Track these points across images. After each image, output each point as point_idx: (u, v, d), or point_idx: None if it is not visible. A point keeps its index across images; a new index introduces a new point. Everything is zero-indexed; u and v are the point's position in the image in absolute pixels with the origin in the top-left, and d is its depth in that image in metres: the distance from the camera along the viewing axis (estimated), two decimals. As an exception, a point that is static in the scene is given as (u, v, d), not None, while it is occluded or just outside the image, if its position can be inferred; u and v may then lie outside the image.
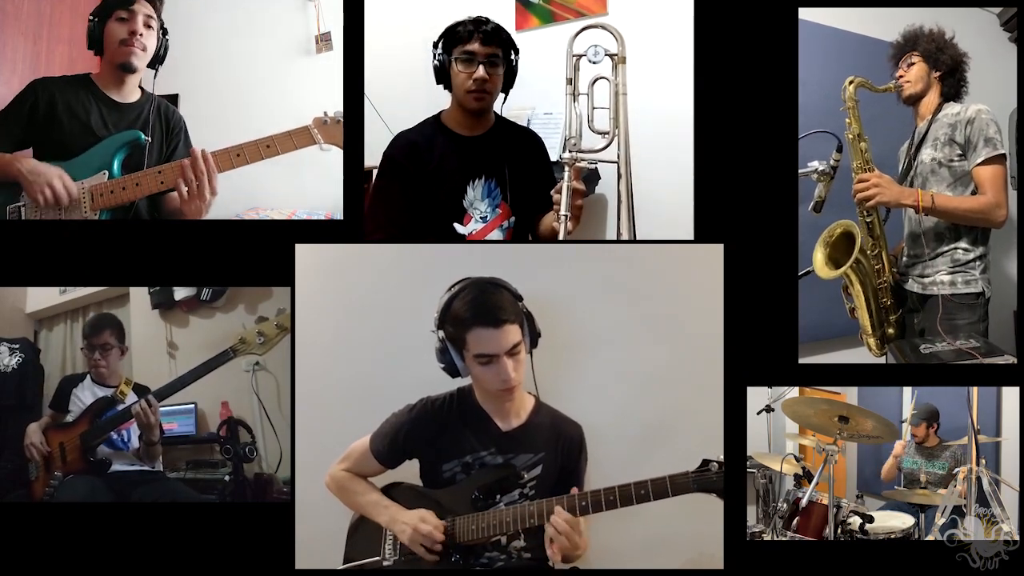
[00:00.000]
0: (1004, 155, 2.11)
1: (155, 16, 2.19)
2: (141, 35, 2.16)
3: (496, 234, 2.27)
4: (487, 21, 2.20)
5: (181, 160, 2.15)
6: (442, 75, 2.23)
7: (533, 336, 1.90)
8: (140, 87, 2.24)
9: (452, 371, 1.90)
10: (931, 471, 2.49)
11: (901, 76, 2.22)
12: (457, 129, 2.27)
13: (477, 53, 2.17)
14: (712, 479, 1.77)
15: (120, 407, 2.25)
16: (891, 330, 2.25)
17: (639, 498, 1.78)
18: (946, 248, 2.18)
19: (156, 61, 2.21)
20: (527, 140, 2.38)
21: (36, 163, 2.13)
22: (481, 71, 2.16)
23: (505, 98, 2.27)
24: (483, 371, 1.85)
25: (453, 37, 2.20)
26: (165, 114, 2.26)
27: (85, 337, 2.34)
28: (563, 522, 1.79)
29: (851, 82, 2.19)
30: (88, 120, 2.17)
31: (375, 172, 2.29)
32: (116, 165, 2.16)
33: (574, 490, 1.84)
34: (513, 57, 2.22)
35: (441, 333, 1.88)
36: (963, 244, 2.17)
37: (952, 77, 2.19)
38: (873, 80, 2.20)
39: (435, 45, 2.23)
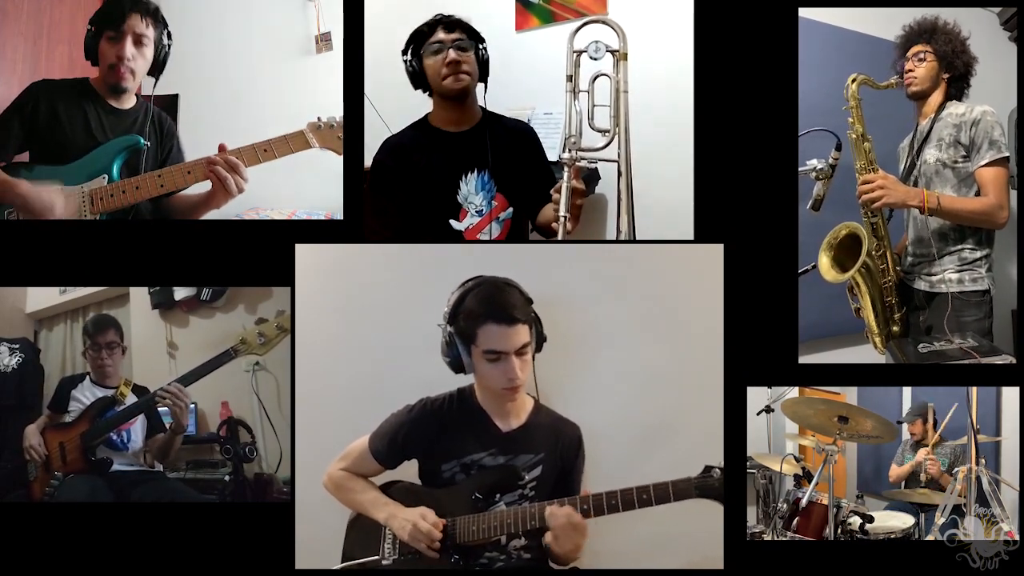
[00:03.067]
0: (1007, 158, 2.11)
1: (149, 29, 2.16)
2: (129, 59, 2.14)
3: (493, 226, 2.26)
4: (447, 16, 2.24)
5: (209, 156, 2.15)
6: (418, 79, 2.25)
7: (539, 340, 1.90)
8: (137, 93, 2.24)
9: (457, 366, 1.89)
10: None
11: (910, 71, 2.20)
12: (444, 126, 2.28)
13: (444, 41, 2.20)
14: (715, 485, 1.77)
15: (120, 407, 2.25)
16: (896, 328, 2.25)
17: (641, 503, 1.78)
18: (953, 248, 2.18)
19: (156, 70, 2.20)
20: (517, 131, 2.37)
21: (30, 190, 2.11)
22: (452, 54, 2.19)
23: (485, 89, 2.27)
24: (490, 368, 1.85)
25: (418, 38, 2.23)
26: (159, 121, 2.26)
27: (89, 336, 2.34)
28: (563, 516, 1.78)
29: (853, 80, 2.18)
30: (87, 124, 2.17)
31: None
32: (115, 169, 2.17)
33: (584, 490, 1.84)
34: (481, 47, 2.24)
35: (450, 328, 1.87)
36: (969, 244, 2.17)
37: (961, 81, 2.18)
38: (874, 79, 2.19)
39: (404, 53, 2.25)
